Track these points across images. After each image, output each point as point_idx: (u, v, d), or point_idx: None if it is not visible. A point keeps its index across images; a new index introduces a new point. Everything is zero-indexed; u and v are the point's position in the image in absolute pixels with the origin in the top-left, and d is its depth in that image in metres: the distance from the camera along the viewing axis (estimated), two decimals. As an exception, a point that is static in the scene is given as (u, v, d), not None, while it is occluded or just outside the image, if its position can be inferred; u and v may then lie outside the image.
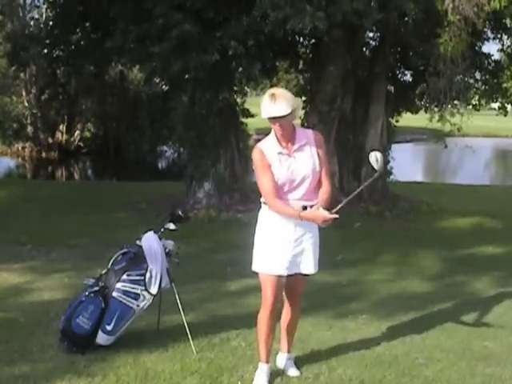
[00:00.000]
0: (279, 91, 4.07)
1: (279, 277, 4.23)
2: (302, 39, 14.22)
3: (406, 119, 16.99)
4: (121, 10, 11.50)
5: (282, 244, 4.18)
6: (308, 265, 4.25)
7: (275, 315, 4.32)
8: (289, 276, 4.25)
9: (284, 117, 4.00)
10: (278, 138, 4.14)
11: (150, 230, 5.04)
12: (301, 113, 14.37)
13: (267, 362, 4.39)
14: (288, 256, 4.19)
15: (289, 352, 4.60)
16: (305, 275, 4.30)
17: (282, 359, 4.59)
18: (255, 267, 4.28)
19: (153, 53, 10.77)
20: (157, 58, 10.99)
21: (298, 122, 14.35)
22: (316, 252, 4.29)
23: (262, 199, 4.24)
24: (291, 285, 4.33)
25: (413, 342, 5.32)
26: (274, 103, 3.98)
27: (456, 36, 10.97)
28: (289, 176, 4.12)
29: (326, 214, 3.98)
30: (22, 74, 27.20)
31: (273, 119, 4.03)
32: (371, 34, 14.49)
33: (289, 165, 4.12)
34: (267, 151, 4.14)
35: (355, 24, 10.69)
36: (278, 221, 4.17)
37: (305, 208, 4.14)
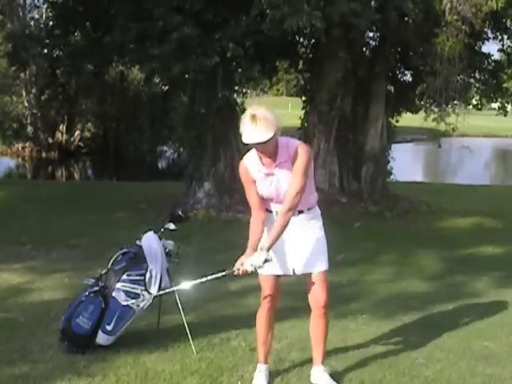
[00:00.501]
0: (260, 112, 3.83)
1: (276, 276, 4.21)
2: (301, 39, 14.22)
3: (406, 119, 16.99)
4: (121, 8, 11.50)
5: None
6: (303, 263, 4.17)
7: (272, 315, 4.30)
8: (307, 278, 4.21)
9: (266, 142, 3.86)
10: (259, 156, 4.04)
11: (150, 229, 5.03)
12: (301, 113, 14.41)
13: (265, 362, 4.37)
14: (281, 255, 4.13)
15: (322, 364, 4.37)
16: (318, 274, 4.19)
17: (314, 373, 4.35)
18: None
19: (153, 54, 10.78)
20: (156, 60, 10.99)
21: (298, 122, 14.39)
22: (315, 251, 4.19)
23: None
24: (308, 287, 4.23)
25: (413, 341, 5.31)
26: (255, 126, 3.80)
27: (453, 36, 10.98)
28: (272, 192, 4.08)
29: (246, 269, 3.93)
30: (22, 74, 27.20)
31: (254, 144, 3.91)
32: (371, 34, 14.51)
33: (270, 181, 4.06)
34: (250, 167, 4.10)
35: (353, 24, 10.71)
36: (269, 221, 4.14)
37: (301, 212, 4.12)
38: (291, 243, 4.15)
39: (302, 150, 4.01)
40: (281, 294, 4.32)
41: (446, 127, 12.96)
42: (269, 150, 3.95)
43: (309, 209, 4.18)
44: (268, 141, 3.84)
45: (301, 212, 4.14)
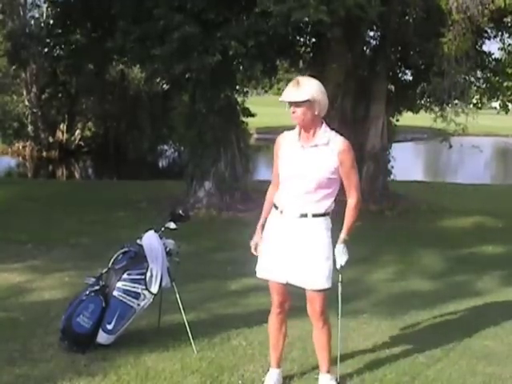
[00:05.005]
0: (306, 79, 3.88)
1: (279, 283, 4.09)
2: (302, 38, 14.22)
3: (407, 118, 16.98)
4: (121, 9, 11.50)
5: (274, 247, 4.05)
6: (298, 276, 3.99)
7: (282, 319, 4.23)
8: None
9: (299, 102, 3.80)
10: (299, 131, 3.97)
11: (151, 228, 5.03)
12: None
13: (277, 366, 4.29)
14: (276, 261, 4.02)
15: (327, 372, 4.24)
16: (313, 292, 4.02)
17: (321, 380, 4.26)
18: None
19: (154, 54, 10.78)
20: (158, 60, 10.99)
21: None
22: (313, 267, 3.96)
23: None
24: (307, 298, 4.09)
25: (413, 340, 5.31)
26: (295, 88, 3.81)
27: (460, 35, 10.98)
28: (295, 168, 3.93)
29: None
30: (22, 73, 27.21)
31: (289, 102, 3.85)
32: (372, 33, 14.52)
33: (299, 157, 3.93)
34: (283, 141, 4.04)
35: (359, 17, 10.72)
36: (274, 216, 4.09)
37: (304, 215, 3.93)
38: (288, 251, 3.97)
39: (349, 147, 3.93)
40: (289, 298, 4.19)
41: (456, 127, 12.94)
42: (302, 117, 3.85)
43: (315, 215, 3.93)
44: (301, 103, 3.80)
45: (304, 216, 3.93)
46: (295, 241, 3.96)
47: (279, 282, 4.06)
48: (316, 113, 3.86)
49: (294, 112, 3.86)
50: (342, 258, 3.99)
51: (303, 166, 3.91)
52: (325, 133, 3.93)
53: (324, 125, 3.95)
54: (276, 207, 4.07)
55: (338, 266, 3.96)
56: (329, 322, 4.20)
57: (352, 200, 4.00)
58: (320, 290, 4.01)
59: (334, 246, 4.03)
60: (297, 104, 3.82)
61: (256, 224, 4.24)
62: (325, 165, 3.88)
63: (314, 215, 3.94)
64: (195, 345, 4.81)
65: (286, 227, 3.99)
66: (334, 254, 4.02)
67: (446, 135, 14.55)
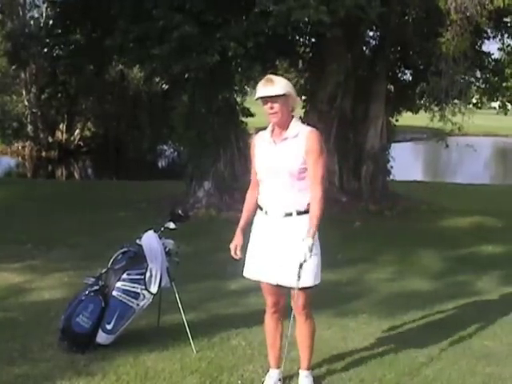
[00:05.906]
0: (276, 76, 3.99)
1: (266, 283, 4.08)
2: (302, 38, 14.22)
3: (406, 118, 16.98)
4: (121, 9, 11.49)
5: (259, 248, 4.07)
6: (287, 276, 3.91)
7: (278, 319, 4.22)
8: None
9: (275, 96, 3.82)
10: (272, 128, 4.01)
11: (150, 229, 5.03)
12: (301, 112, 14.40)
13: (274, 367, 4.29)
14: (265, 261, 4.01)
15: (306, 369, 4.26)
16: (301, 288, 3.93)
17: (299, 376, 4.28)
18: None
19: (153, 54, 10.78)
20: (157, 59, 10.99)
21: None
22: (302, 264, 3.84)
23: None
24: (291, 294, 4.04)
25: (413, 340, 5.31)
26: (268, 84, 3.85)
27: (458, 35, 10.98)
28: (269, 163, 3.95)
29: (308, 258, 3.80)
30: (22, 73, 27.21)
31: (264, 99, 3.86)
32: (371, 33, 14.52)
33: (271, 151, 3.96)
34: (257, 138, 4.10)
35: (359, 18, 10.70)
36: (259, 218, 4.10)
37: (289, 214, 3.91)
38: (275, 251, 3.95)
39: (317, 135, 3.95)
40: (283, 298, 4.18)
41: (453, 127, 12.96)
42: (280, 113, 3.87)
43: (299, 213, 3.91)
44: (278, 97, 3.82)
45: (289, 215, 3.92)
46: (282, 241, 3.94)
47: (270, 283, 4.05)
48: (290, 108, 3.94)
49: (271, 108, 3.87)
50: (306, 254, 3.78)
51: (276, 160, 3.94)
52: (295, 126, 3.96)
53: (295, 119, 3.99)
54: (261, 208, 4.07)
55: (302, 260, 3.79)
56: (312, 318, 4.18)
57: (316, 193, 3.88)
58: (307, 288, 3.97)
59: (320, 243, 3.98)
60: (274, 99, 3.84)
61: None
62: (295, 156, 3.90)
63: (299, 213, 3.93)
64: (194, 345, 4.81)
65: (271, 227, 3.99)
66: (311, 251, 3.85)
67: (444, 135, 14.56)
